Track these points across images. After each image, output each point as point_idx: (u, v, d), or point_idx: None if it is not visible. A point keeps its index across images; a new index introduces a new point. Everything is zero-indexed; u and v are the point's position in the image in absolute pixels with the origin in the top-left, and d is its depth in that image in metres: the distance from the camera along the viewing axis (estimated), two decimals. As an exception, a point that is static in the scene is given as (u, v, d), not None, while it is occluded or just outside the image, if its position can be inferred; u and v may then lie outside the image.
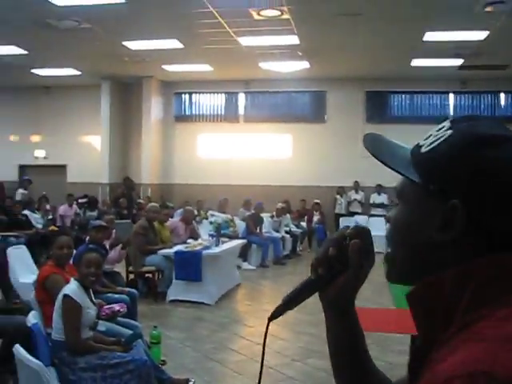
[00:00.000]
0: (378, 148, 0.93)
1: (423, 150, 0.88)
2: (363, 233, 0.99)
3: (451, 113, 15.54)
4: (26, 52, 12.81)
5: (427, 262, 0.86)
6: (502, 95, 15.65)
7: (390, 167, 0.87)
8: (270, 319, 1.01)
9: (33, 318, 3.84)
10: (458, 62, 13.29)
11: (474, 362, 0.69)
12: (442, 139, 0.86)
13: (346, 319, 1.06)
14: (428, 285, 0.85)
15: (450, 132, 0.86)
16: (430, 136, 0.90)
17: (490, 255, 0.80)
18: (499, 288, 0.79)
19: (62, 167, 17.36)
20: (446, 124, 0.89)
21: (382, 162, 0.88)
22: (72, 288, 3.93)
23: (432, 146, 0.87)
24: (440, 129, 0.89)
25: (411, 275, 0.90)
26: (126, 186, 16.07)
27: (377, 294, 7.90)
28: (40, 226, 12.18)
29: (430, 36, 11.15)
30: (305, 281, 1.01)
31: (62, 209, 13.54)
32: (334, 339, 1.08)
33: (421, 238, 0.86)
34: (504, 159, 0.81)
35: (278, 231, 12.96)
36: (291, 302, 1.01)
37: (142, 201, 14.51)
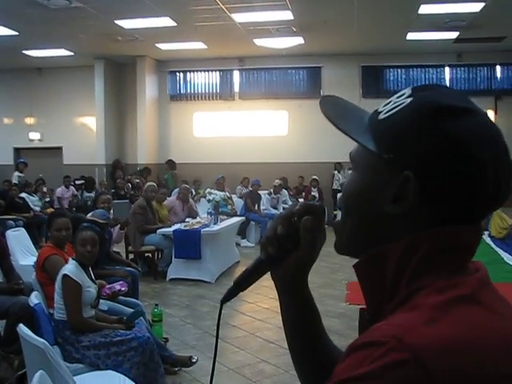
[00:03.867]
0: (333, 112, 0.88)
1: (381, 116, 0.84)
2: (314, 209, 0.95)
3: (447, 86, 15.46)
4: (16, 33, 12.66)
5: (377, 235, 0.83)
6: (498, 68, 15.57)
7: (344, 133, 0.84)
8: (223, 302, 0.99)
9: (35, 299, 3.87)
10: (454, 34, 13.20)
11: (393, 328, 0.70)
12: (400, 107, 0.82)
13: (300, 298, 1.03)
14: (375, 255, 0.83)
15: (409, 100, 0.82)
16: (389, 102, 0.85)
17: (437, 228, 0.79)
18: (443, 260, 0.78)
19: (58, 149, 17.28)
20: (407, 91, 0.84)
21: (336, 127, 0.84)
22: (70, 268, 3.95)
23: (390, 113, 0.83)
24: (400, 96, 0.84)
25: (360, 248, 0.86)
26: (114, 166, 16.11)
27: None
28: (38, 209, 12.19)
29: (425, 9, 11.05)
30: (255, 261, 0.98)
31: (60, 191, 13.53)
32: (289, 318, 1.05)
33: (372, 209, 0.83)
34: (463, 132, 0.77)
35: (276, 208, 12.99)
36: (242, 283, 0.99)
37: (138, 180, 14.50)
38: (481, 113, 0.81)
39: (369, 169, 0.84)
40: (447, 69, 15.74)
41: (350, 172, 0.91)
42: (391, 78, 15.99)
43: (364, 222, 0.85)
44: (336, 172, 15.38)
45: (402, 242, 0.79)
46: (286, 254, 0.95)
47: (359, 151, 0.87)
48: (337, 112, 0.89)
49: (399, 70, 15.92)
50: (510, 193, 0.82)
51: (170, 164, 16.03)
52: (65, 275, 3.88)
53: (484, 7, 10.81)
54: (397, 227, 0.81)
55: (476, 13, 11.21)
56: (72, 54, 15.15)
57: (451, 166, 0.77)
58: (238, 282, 0.99)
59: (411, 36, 13.36)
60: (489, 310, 0.75)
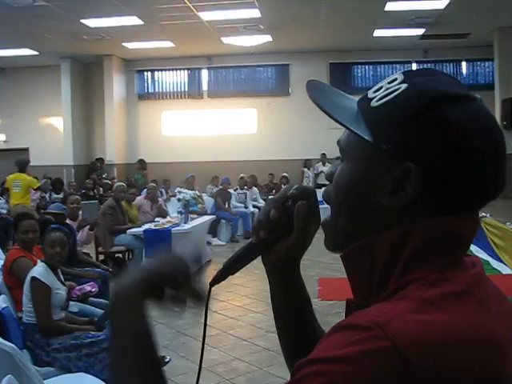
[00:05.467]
0: (323, 97, 0.82)
1: (374, 103, 0.79)
2: (308, 193, 0.91)
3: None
4: (-21, 32, 12.45)
5: (371, 229, 0.79)
6: (464, 63, 15.82)
7: (337, 121, 0.78)
8: (212, 284, 0.95)
9: (3, 303, 3.78)
10: (420, 31, 13.38)
11: (378, 314, 0.68)
12: (396, 93, 0.77)
13: (291, 283, 1.00)
14: (364, 245, 0.79)
15: (404, 86, 0.77)
16: (380, 88, 0.80)
17: (429, 218, 0.75)
18: (437, 252, 0.75)
19: (24, 150, 16.98)
20: (399, 76, 0.80)
21: (327, 113, 0.78)
22: (39, 270, 3.88)
23: (384, 100, 0.78)
24: (392, 81, 0.79)
25: (353, 242, 0.81)
26: (90, 167, 15.94)
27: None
28: (4, 212, 11.95)
29: (392, 6, 11.18)
30: (246, 245, 0.95)
31: (27, 192, 13.27)
32: (280, 303, 1.02)
33: (367, 201, 0.79)
34: (463, 120, 0.74)
35: (245, 204, 12.95)
36: (232, 266, 0.95)
37: (108, 181, 14.36)
38: (478, 100, 0.78)
39: (364, 160, 0.79)
40: (414, 65, 15.93)
41: (337, 162, 0.86)
42: (359, 75, 16.12)
43: (359, 215, 0.81)
44: (306, 169, 15.45)
45: (394, 232, 0.76)
46: (278, 238, 0.92)
47: (351, 141, 0.81)
48: (325, 98, 0.83)
49: (367, 67, 16.08)
50: (505, 183, 0.79)
51: (141, 164, 15.91)
52: (33, 278, 3.82)
53: (449, 4, 10.96)
54: (394, 220, 0.77)
55: (441, 10, 11.37)
56: (37, 53, 14.92)
57: (452, 156, 0.74)
58: (228, 265, 0.95)
59: (378, 33, 13.49)
60: (481, 307, 0.72)
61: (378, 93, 0.79)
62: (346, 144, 0.83)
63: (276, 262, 0.96)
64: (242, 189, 13.06)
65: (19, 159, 10.79)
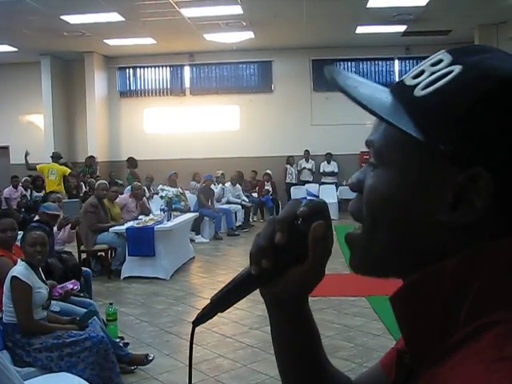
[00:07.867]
0: (351, 86, 0.63)
1: (420, 92, 0.61)
2: (322, 210, 0.71)
3: (396, 78, 15.71)
4: (-43, 29, 12.25)
5: (421, 251, 0.62)
6: (445, 60, 15.92)
7: (375, 114, 0.60)
8: (196, 323, 0.74)
9: (-18, 302, 3.74)
10: (402, 28, 13.42)
11: None
12: (449, 77, 0.60)
13: (299, 319, 0.80)
14: (420, 281, 0.61)
15: (458, 68, 0.60)
16: (422, 72, 0.63)
17: (502, 239, 0.58)
18: None
19: (5, 149, 16.79)
20: (445, 57, 0.63)
21: (361, 105, 0.60)
22: (19, 269, 3.84)
23: (435, 86, 0.60)
24: (437, 63, 0.62)
25: (396, 267, 0.65)
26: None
27: (330, 260, 8.02)
28: None
29: (374, 2, 11.19)
30: (242, 275, 0.72)
31: (7, 191, 13.16)
32: (284, 342, 0.82)
33: (416, 218, 0.61)
34: None
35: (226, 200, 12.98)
36: (223, 301, 0.73)
37: (93, 179, 14.24)
38: None
39: (411, 164, 0.61)
40: (396, 61, 16.01)
41: (365, 168, 0.68)
42: (341, 72, 16.15)
43: (405, 235, 0.62)
44: (288, 166, 15.44)
45: (457, 260, 0.58)
46: (285, 268, 0.71)
47: (390, 140, 0.63)
48: (353, 87, 0.64)
49: (349, 63, 16.12)
50: None
51: (130, 162, 15.70)
52: (14, 277, 3.77)
53: (430, 1, 11.01)
54: (451, 240, 0.60)
55: (422, 7, 11.41)
56: (16, 49, 14.72)
57: None
58: (216, 301, 0.73)
59: (360, 30, 13.52)
60: None
61: (421, 78, 0.62)
62: (382, 145, 0.64)
63: (282, 297, 0.75)
64: (234, 184, 13.29)
65: (54, 152, 13.29)
